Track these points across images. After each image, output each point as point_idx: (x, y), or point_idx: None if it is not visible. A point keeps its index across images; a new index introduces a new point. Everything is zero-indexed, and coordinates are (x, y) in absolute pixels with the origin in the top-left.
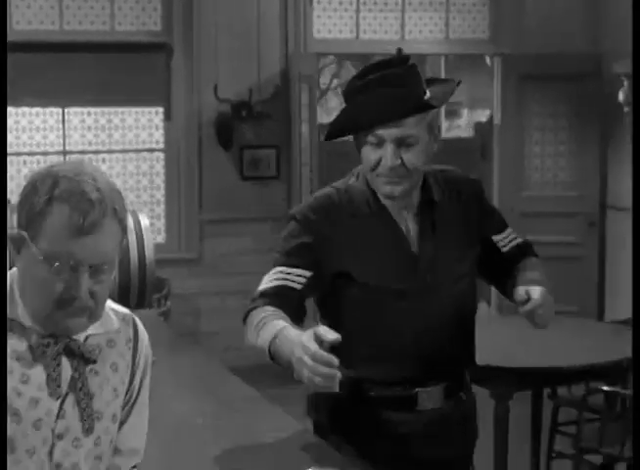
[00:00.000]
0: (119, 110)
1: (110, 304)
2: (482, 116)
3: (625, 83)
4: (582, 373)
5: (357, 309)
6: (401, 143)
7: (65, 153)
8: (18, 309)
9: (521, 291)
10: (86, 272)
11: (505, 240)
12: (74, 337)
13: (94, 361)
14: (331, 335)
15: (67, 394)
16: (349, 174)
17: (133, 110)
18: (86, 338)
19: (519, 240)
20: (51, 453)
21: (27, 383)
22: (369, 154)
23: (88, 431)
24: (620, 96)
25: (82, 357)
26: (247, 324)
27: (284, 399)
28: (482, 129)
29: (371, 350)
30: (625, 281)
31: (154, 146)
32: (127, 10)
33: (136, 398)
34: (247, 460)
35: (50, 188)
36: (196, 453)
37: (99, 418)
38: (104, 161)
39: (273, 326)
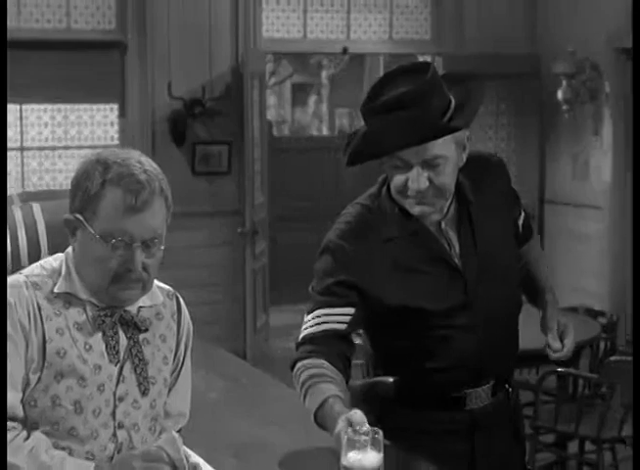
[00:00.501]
0: (76, 106)
1: (155, 282)
2: None
3: (564, 83)
4: (534, 357)
5: (407, 332)
6: (428, 165)
7: (22, 149)
8: (75, 284)
9: (554, 338)
10: (139, 247)
11: (522, 220)
12: (128, 308)
13: (146, 330)
14: (363, 425)
15: (124, 360)
16: (377, 184)
17: (89, 106)
18: (138, 310)
19: (523, 215)
20: (114, 414)
21: (90, 351)
22: (396, 178)
23: (144, 394)
24: (559, 95)
25: (136, 327)
26: (294, 376)
27: None
28: None
29: (422, 364)
30: (562, 272)
31: (109, 142)
32: (83, 9)
33: (181, 365)
34: (258, 426)
35: (102, 173)
36: (212, 422)
37: (153, 383)
38: (60, 157)
39: (318, 394)
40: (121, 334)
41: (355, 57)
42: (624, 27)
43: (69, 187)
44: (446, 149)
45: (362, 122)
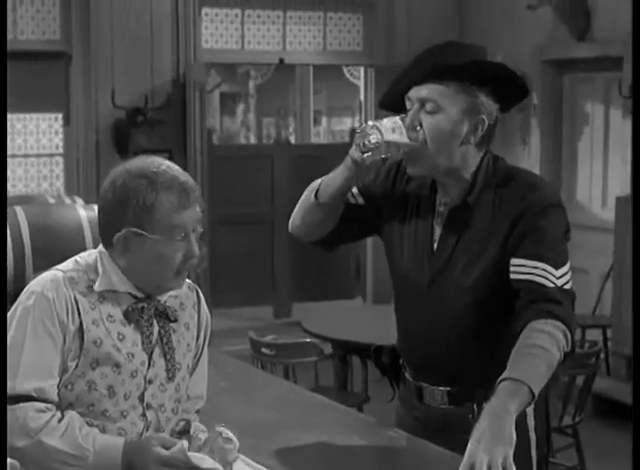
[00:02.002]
0: (22, 115)
1: None
2: (340, 124)
3: None
4: None
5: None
6: (423, 105)
7: None
8: (113, 281)
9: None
10: (194, 236)
11: (524, 268)
12: (160, 299)
13: (175, 320)
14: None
15: (154, 347)
16: None
17: (34, 115)
18: (164, 301)
19: (549, 284)
20: (142, 396)
21: (123, 340)
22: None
23: (171, 379)
24: None
25: (167, 317)
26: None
27: None
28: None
29: (398, 330)
30: None
31: (54, 151)
32: (28, 19)
33: (201, 352)
34: (255, 409)
35: (150, 184)
36: (215, 405)
37: (179, 368)
38: (7, 165)
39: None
40: (154, 323)
41: (282, 67)
42: (552, 40)
43: (108, 207)
44: (446, 100)
45: (290, 129)
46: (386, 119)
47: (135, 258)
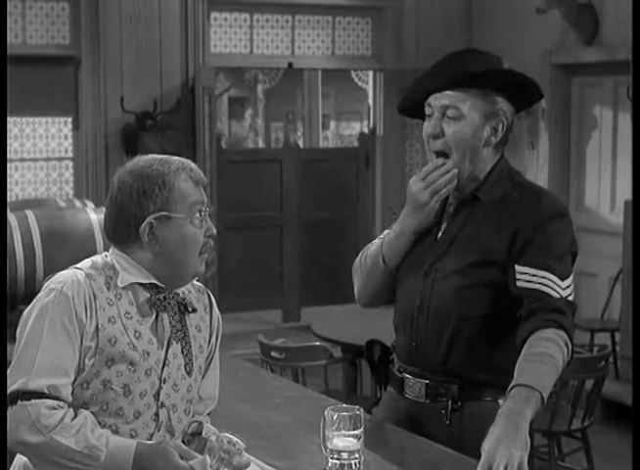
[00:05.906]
0: (31, 119)
1: None
2: (348, 128)
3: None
4: None
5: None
6: (445, 113)
7: None
8: (135, 274)
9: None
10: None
11: (530, 276)
12: (177, 292)
13: (195, 310)
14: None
15: (169, 344)
16: None
17: (44, 119)
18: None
19: (555, 294)
20: (157, 395)
21: (139, 338)
22: (424, 125)
23: (189, 373)
24: None
25: (185, 308)
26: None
27: None
28: (366, 140)
29: (394, 320)
30: None
31: (63, 154)
32: (38, 24)
33: (213, 353)
34: (267, 411)
35: (165, 168)
36: (226, 409)
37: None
38: (17, 169)
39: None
40: (166, 319)
41: (290, 71)
42: (561, 44)
43: (128, 202)
44: (468, 107)
45: (298, 134)
46: None
47: (162, 245)
